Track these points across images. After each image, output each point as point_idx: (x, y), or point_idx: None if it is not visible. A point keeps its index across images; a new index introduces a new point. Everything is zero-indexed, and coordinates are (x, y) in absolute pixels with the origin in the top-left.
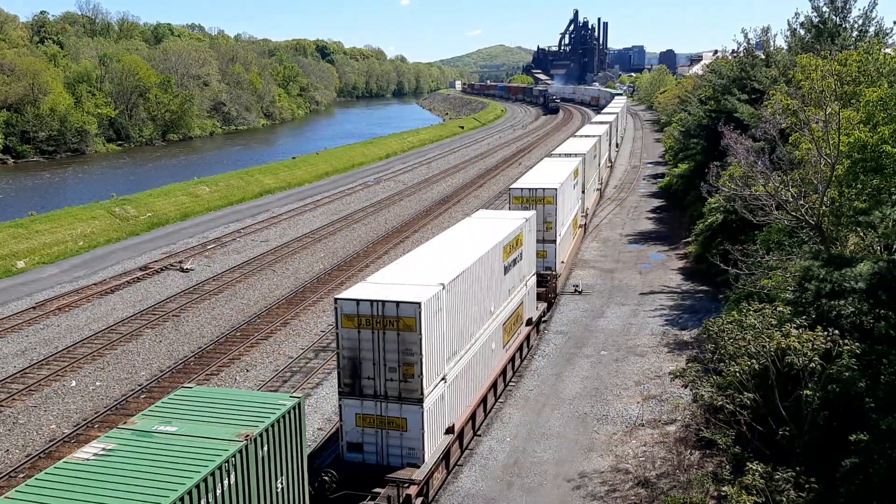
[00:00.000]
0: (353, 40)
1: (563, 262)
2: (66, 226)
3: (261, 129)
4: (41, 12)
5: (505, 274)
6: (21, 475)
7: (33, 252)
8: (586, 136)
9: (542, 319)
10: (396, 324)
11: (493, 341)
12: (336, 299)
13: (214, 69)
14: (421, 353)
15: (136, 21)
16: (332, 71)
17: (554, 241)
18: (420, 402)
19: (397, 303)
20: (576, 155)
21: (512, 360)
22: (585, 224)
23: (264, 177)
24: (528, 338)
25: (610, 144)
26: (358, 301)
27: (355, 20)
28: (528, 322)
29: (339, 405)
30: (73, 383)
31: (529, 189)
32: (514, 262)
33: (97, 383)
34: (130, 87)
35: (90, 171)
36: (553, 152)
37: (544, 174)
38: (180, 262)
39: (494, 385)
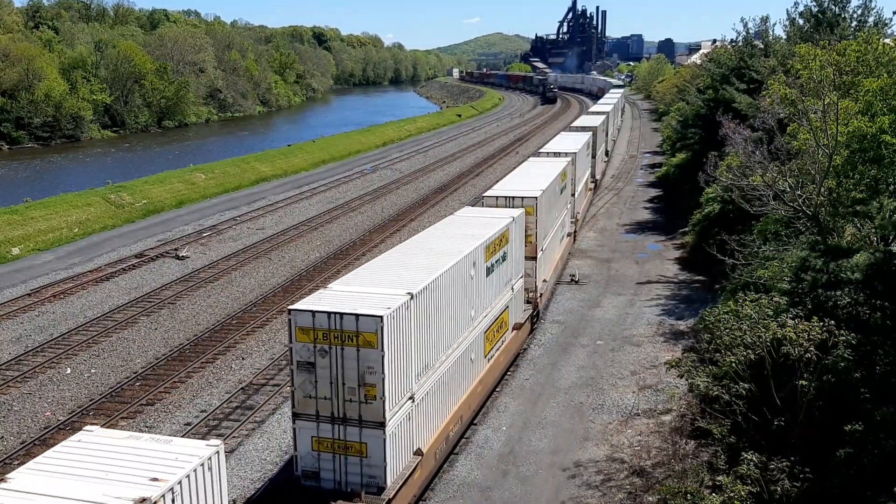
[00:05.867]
0: (351, 27)
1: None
2: (62, 212)
3: (257, 116)
4: None
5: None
6: (16, 462)
7: (28, 239)
8: (556, 153)
9: None
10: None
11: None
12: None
13: (210, 56)
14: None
15: (132, 7)
16: (329, 58)
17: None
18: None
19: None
20: (524, 199)
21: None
22: (533, 314)
23: (260, 164)
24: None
25: (595, 156)
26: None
27: (352, 7)
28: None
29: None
30: (69, 370)
31: (337, 315)
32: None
33: (92, 370)
34: (126, 74)
35: (85, 158)
36: (486, 194)
37: (424, 256)
38: (176, 249)
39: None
